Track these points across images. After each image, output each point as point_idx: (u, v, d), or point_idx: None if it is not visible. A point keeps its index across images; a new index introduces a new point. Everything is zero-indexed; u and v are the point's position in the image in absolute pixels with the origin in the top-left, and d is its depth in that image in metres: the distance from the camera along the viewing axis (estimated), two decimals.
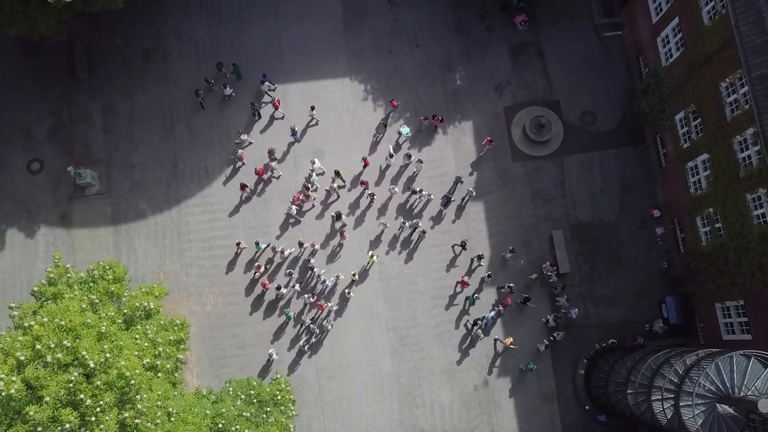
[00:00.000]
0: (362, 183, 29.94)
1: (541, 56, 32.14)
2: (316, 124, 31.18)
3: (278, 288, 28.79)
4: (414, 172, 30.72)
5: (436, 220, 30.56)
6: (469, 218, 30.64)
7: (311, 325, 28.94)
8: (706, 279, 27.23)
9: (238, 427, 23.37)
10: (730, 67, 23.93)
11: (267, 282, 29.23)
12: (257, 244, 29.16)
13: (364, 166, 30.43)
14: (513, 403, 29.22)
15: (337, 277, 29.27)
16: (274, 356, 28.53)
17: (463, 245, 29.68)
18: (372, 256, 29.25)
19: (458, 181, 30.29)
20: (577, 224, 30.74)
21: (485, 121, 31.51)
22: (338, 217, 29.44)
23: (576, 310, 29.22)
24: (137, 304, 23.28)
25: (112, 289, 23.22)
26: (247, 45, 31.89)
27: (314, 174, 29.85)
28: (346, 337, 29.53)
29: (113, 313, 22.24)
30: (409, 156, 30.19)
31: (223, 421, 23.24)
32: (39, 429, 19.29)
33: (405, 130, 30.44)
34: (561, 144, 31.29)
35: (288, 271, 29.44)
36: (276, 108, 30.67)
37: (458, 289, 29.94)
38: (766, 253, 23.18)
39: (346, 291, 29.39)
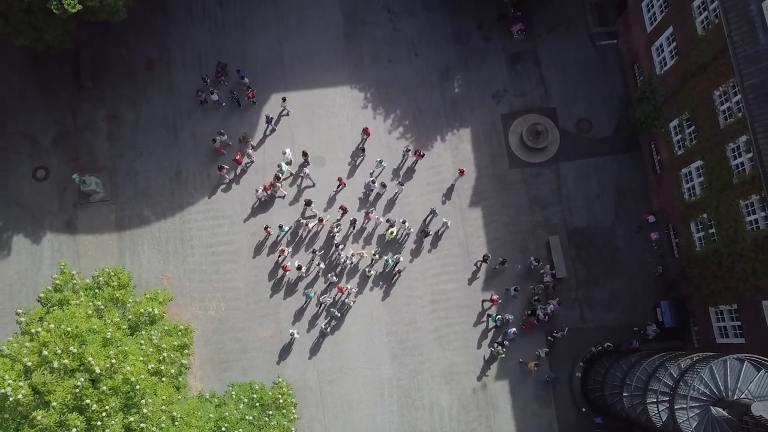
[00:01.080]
0: (341, 208, 30.18)
1: (538, 65, 32.59)
2: (287, 114, 31.62)
3: (299, 268, 29.35)
4: (394, 196, 30.90)
5: (433, 226, 30.97)
6: (467, 224, 31.04)
7: (331, 308, 29.45)
8: (701, 283, 27.61)
9: (241, 430, 23.74)
10: (724, 75, 24.30)
11: (288, 265, 29.66)
12: (281, 227, 29.80)
13: (339, 186, 30.65)
14: (510, 405, 29.57)
15: (361, 255, 29.87)
16: (295, 335, 29.08)
17: (485, 260, 29.92)
18: (391, 233, 29.69)
19: (433, 213, 30.48)
20: (574, 230, 31.13)
21: (483, 129, 31.93)
22: (308, 204, 29.88)
23: (551, 306, 29.36)
24: (142, 310, 23.68)
25: (117, 295, 23.58)
26: (249, 54, 32.35)
27: (284, 164, 30.24)
28: (347, 340, 29.94)
29: (118, 319, 22.60)
30: (384, 185, 30.43)
31: (226, 425, 23.60)
32: None
33: (383, 162, 30.67)
34: (557, 151, 31.70)
35: (312, 249, 29.99)
36: (250, 99, 31.19)
37: (486, 306, 30.22)
38: (759, 259, 23.55)
39: (367, 269, 29.85)
